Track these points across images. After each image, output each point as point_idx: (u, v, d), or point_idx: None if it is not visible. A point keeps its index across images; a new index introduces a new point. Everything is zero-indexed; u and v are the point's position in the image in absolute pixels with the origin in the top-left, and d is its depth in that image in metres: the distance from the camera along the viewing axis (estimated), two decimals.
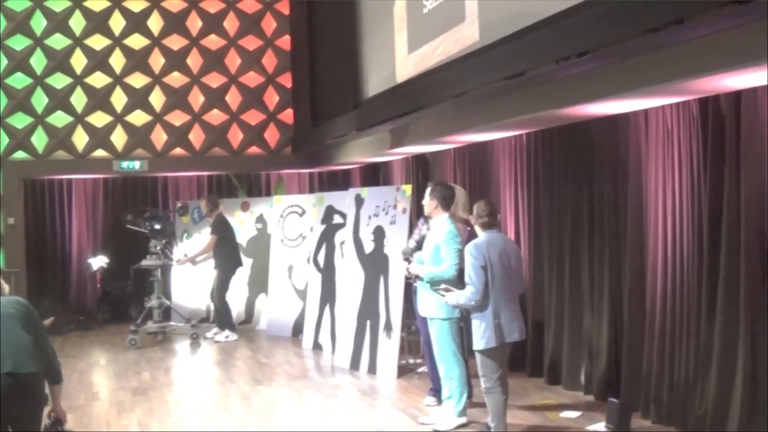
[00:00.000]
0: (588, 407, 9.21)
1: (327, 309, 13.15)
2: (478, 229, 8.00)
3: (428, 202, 8.84)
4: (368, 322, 11.51)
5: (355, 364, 11.60)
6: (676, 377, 8.23)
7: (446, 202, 8.78)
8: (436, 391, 9.42)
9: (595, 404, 9.29)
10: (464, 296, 7.78)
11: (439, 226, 8.76)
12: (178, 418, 9.56)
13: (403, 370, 11.20)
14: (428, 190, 8.89)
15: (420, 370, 11.07)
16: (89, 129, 16.36)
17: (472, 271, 7.71)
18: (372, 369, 11.33)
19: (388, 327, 11.17)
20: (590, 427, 8.44)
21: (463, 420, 8.74)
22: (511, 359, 10.96)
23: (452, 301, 8.04)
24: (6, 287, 7.04)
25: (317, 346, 13.26)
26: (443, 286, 8.22)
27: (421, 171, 14.09)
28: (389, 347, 11.14)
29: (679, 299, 8.20)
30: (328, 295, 13.15)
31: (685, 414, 8.10)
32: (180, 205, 16.35)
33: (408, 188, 11.25)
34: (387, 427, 8.92)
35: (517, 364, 10.92)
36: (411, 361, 11.59)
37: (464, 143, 11.97)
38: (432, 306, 8.80)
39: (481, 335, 7.76)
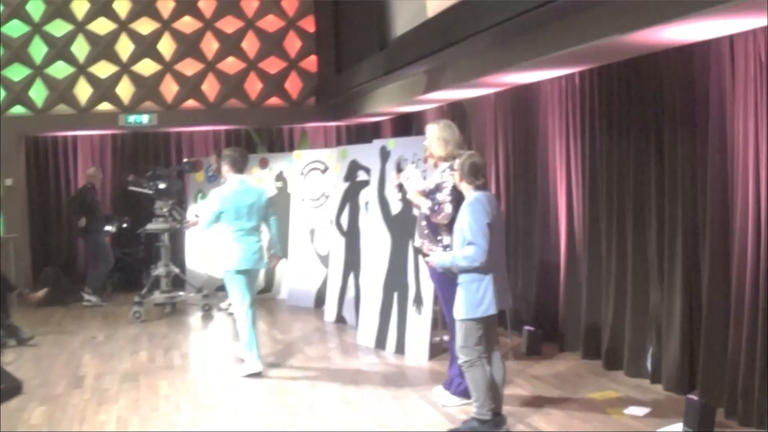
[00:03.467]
0: (657, 402, 7.57)
1: (351, 278, 11.64)
2: (467, 188, 6.93)
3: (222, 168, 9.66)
4: (396, 294, 9.97)
5: (380, 343, 10.08)
6: None
7: (236, 165, 9.41)
8: (455, 387, 7.94)
9: (667, 398, 7.68)
10: (464, 256, 6.79)
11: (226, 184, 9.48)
12: (164, 413, 8.04)
13: (436, 350, 9.65)
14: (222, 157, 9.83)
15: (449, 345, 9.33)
16: (92, 80, 14.99)
17: (477, 229, 6.75)
18: (400, 349, 9.80)
19: (419, 300, 9.62)
20: (664, 429, 6.80)
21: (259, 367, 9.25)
22: (561, 337, 9.53)
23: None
24: None
25: (341, 320, 11.79)
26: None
27: (458, 120, 12.37)
28: (420, 324, 9.60)
29: None
30: (352, 262, 11.65)
31: None
32: (187, 161, 14.79)
33: None
34: (412, 426, 7.37)
35: (569, 344, 9.41)
36: (445, 338, 10.00)
37: (506, 86, 10.29)
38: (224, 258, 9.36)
39: (479, 301, 6.82)
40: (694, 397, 6.76)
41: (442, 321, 9.86)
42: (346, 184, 11.98)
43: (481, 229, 6.71)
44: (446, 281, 7.32)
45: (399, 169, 9.62)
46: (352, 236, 11.73)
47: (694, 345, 7.59)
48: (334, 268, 12.10)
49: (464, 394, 7.64)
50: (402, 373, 9.08)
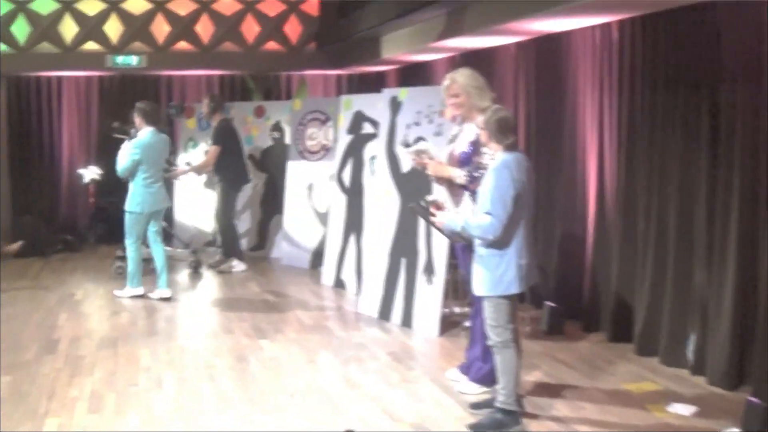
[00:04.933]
0: (702, 398, 6.65)
1: (352, 239, 10.74)
2: (496, 148, 6.02)
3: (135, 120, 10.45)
4: (403, 260, 9.06)
5: (385, 314, 9.19)
6: None
7: (148, 117, 10.38)
8: (475, 371, 6.98)
9: (712, 394, 6.78)
10: (478, 224, 5.95)
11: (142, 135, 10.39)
12: (144, 390, 7.12)
13: (446, 324, 8.75)
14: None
15: (467, 324, 8.18)
16: (79, 17, 13.88)
17: (497, 198, 5.86)
18: (407, 321, 8.91)
19: (429, 269, 8.72)
20: None
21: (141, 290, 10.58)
22: (586, 316, 8.67)
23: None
24: None
25: (339, 284, 10.92)
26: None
27: None
28: (430, 295, 8.69)
29: None
30: (353, 222, 10.75)
31: None
32: (172, 104, 13.85)
33: None
34: (424, 416, 6.46)
35: (595, 324, 8.51)
36: (456, 310, 9.12)
37: (532, 34, 9.31)
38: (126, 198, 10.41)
39: (499, 278, 5.99)
40: (755, 399, 5.88)
41: (453, 292, 9.05)
42: (349, 137, 11.04)
43: (501, 198, 5.82)
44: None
45: (406, 144, 8.66)
46: (354, 194, 10.80)
47: (746, 335, 6.69)
48: (333, 228, 11.19)
49: (484, 380, 6.75)
50: (410, 350, 8.18)
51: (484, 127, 6.02)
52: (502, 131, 5.95)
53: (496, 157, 6.00)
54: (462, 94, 6.80)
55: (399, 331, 8.79)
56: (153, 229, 10.56)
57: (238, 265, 12.16)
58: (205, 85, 15.36)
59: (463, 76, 6.84)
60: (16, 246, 13.46)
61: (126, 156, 10.26)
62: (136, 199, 10.30)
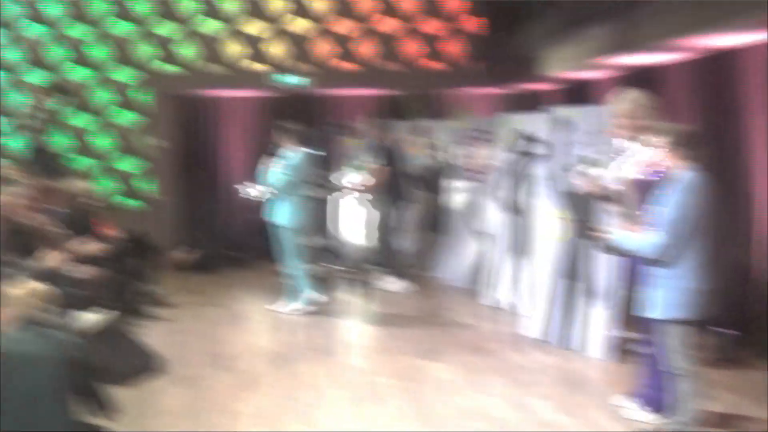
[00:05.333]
0: None
1: (512, 258, 10.63)
2: (680, 165, 5.82)
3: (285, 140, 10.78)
4: (567, 282, 8.91)
5: (549, 336, 9.05)
6: None
7: (301, 138, 10.79)
8: (646, 399, 6.73)
9: None
10: (646, 243, 5.86)
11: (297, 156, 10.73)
12: (306, 405, 7.20)
13: (614, 348, 8.48)
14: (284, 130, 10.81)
15: (639, 348, 7.57)
16: (242, 37, 14.29)
17: (673, 219, 5.70)
18: (572, 344, 8.76)
19: (596, 291, 8.54)
20: None
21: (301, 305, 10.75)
22: (758, 343, 8.32)
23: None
24: None
25: (499, 304, 10.82)
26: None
27: None
28: (597, 318, 8.52)
29: None
30: (514, 241, 10.64)
31: None
32: (331, 123, 14.01)
33: None
34: None
35: (756, 353, 8.13)
36: (626, 334, 8.80)
37: (701, 51, 9.02)
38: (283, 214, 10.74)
39: (672, 301, 5.83)
40: None
41: (623, 315, 8.78)
42: (509, 156, 10.94)
43: (676, 219, 5.68)
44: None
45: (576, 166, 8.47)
46: (515, 213, 10.70)
47: None
48: (492, 247, 11.10)
49: (655, 408, 6.54)
50: (576, 374, 8.04)
51: (668, 145, 5.85)
52: (692, 144, 5.81)
53: (678, 176, 5.83)
54: (631, 115, 6.68)
55: (564, 354, 8.64)
56: (298, 245, 10.72)
57: (397, 284, 12.18)
58: (365, 103, 15.45)
59: (632, 96, 6.73)
60: (184, 255, 13.80)
61: (278, 176, 10.64)
62: (286, 215, 10.66)
